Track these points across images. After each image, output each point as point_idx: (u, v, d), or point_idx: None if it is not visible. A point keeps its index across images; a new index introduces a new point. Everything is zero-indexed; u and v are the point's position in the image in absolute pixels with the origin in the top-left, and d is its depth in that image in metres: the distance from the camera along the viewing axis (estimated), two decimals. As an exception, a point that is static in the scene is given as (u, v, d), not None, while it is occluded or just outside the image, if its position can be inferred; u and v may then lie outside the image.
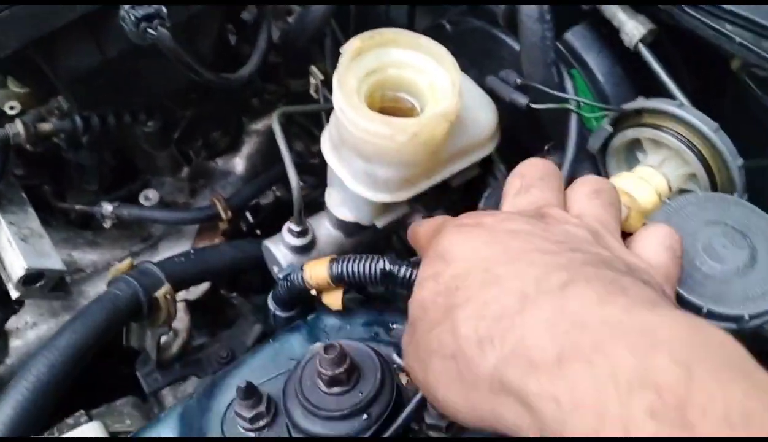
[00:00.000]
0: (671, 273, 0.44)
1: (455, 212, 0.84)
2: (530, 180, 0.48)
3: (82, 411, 0.79)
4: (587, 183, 0.48)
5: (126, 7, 0.65)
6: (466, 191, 0.82)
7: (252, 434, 0.56)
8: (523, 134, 0.76)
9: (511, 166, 0.79)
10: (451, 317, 0.38)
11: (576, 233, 0.42)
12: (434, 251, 0.43)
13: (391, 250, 0.89)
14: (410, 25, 1.00)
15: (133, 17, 0.64)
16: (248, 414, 0.55)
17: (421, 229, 0.52)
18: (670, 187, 0.60)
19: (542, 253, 0.38)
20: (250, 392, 0.54)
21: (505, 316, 0.36)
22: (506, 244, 0.40)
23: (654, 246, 0.44)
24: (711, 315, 0.50)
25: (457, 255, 0.41)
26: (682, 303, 0.51)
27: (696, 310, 0.50)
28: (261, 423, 0.55)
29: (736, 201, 0.56)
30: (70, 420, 0.76)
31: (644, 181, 0.58)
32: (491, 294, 0.37)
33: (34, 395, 0.55)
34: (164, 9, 0.65)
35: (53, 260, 0.71)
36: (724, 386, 0.29)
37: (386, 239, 0.86)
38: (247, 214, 1.04)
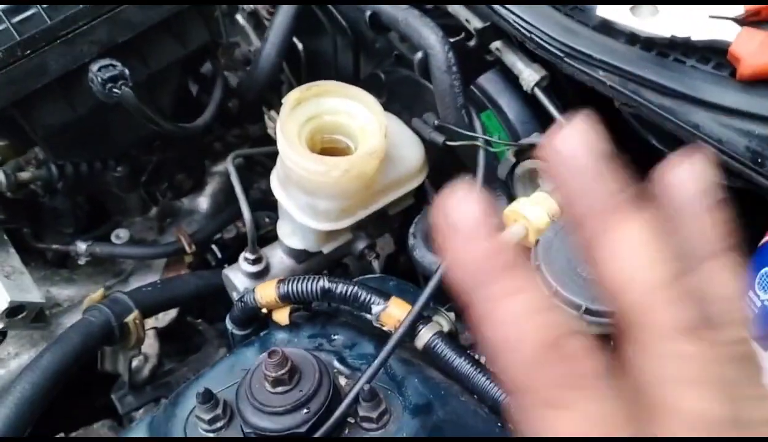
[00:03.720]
0: None
1: (396, 237, 0.95)
2: None
3: (62, 434, 0.87)
4: None
5: (94, 69, 0.75)
6: (403, 219, 0.92)
7: (211, 435, 0.64)
8: (449, 167, 0.87)
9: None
10: None
11: None
12: None
13: (346, 273, 0.98)
14: (356, 73, 1.11)
15: (100, 79, 0.74)
16: (207, 417, 0.63)
17: None
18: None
19: None
20: (207, 397, 0.63)
21: None
22: None
23: None
24: (588, 311, 0.60)
25: None
26: (566, 302, 0.61)
27: (576, 307, 0.60)
28: (218, 424, 0.64)
29: (612, 217, 0.66)
30: (50, 444, 0.84)
31: (538, 205, 0.69)
32: None
33: (19, 408, 0.63)
34: (127, 71, 0.75)
35: (33, 294, 0.80)
36: None
37: (337, 263, 0.96)
38: (215, 249, 1.13)
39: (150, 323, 0.92)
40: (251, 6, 1.17)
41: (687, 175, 0.31)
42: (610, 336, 0.69)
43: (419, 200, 0.91)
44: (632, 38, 0.69)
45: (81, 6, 0.72)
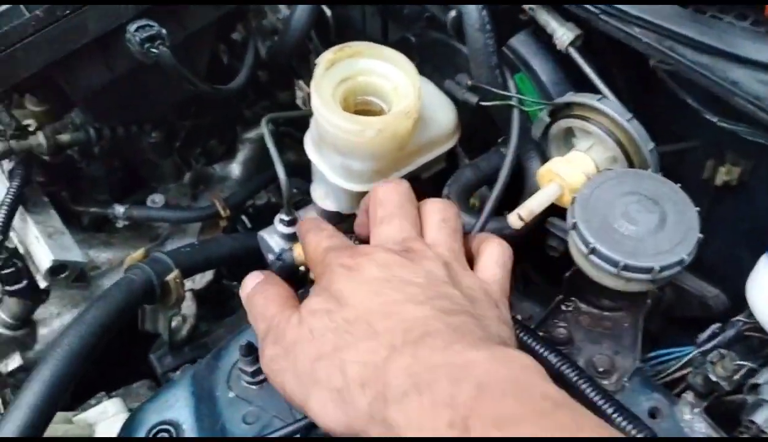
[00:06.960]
0: (505, 285, 0.55)
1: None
2: (391, 209, 0.56)
3: (103, 392, 0.90)
4: (436, 212, 0.57)
5: (131, 30, 0.76)
6: (435, 182, 0.93)
7: (254, 387, 0.66)
8: (482, 129, 0.87)
9: (473, 157, 0.91)
10: (340, 356, 0.47)
11: (435, 271, 0.52)
12: (328, 291, 0.51)
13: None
14: (384, 38, 1.11)
15: (137, 39, 0.75)
16: (250, 369, 0.65)
17: (310, 246, 0.59)
18: (597, 169, 0.70)
19: (414, 304, 0.48)
20: (250, 350, 0.65)
21: (378, 365, 0.45)
22: (386, 296, 0.49)
23: (491, 265, 0.55)
24: (627, 268, 0.60)
25: (348, 301, 0.49)
26: (604, 259, 0.61)
27: (614, 264, 0.61)
28: (261, 377, 0.65)
29: (649, 175, 0.66)
30: (93, 401, 0.87)
31: (573, 165, 0.69)
32: (371, 345, 0.47)
33: (67, 360, 0.65)
34: (164, 31, 0.76)
35: (75, 253, 0.82)
36: (500, 401, 0.41)
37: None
38: (244, 218, 1.14)
39: (187, 285, 0.93)
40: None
41: None
42: (647, 293, 0.69)
43: (450, 164, 0.91)
44: (669, -6, 0.69)
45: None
